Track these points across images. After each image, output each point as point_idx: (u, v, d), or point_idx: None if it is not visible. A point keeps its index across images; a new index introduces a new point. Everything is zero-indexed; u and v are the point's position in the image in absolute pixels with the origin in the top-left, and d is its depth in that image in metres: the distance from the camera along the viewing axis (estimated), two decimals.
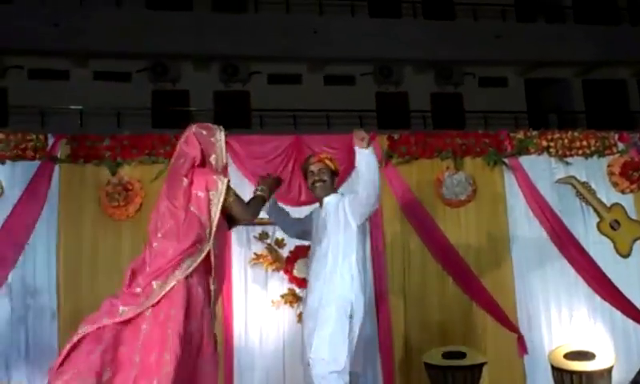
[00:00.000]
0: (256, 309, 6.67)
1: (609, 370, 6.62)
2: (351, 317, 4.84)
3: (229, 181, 4.16)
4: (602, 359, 6.66)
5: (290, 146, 6.90)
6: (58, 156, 6.55)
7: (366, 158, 4.80)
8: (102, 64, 18.88)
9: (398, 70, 20.57)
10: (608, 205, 7.23)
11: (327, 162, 5.17)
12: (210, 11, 19.53)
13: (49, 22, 17.58)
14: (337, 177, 5.29)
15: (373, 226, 6.84)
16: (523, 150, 7.19)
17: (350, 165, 6.85)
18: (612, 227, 7.18)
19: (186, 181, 4.09)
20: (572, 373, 6.56)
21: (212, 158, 4.25)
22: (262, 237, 6.74)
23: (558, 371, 6.65)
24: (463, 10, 20.95)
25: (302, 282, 6.62)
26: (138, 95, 18.70)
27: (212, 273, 4.07)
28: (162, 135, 6.87)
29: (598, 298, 7.00)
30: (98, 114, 17.37)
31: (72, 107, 17.83)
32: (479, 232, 7.03)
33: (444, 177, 7.04)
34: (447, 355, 6.62)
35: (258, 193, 4.55)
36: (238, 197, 4.22)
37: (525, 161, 7.18)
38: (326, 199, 5.13)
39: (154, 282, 3.91)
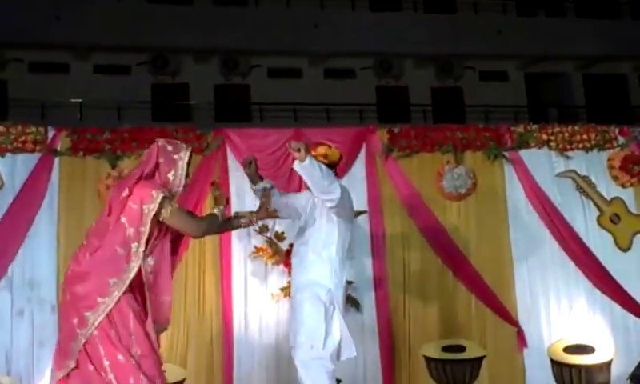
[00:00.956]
0: (256, 302, 6.67)
1: (608, 364, 6.63)
2: (332, 306, 4.90)
3: (164, 195, 4.09)
4: (602, 353, 6.67)
5: (290, 140, 6.83)
6: (58, 149, 6.53)
7: (303, 171, 4.72)
8: (103, 57, 18.89)
9: (398, 63, 20.58)
10: (608, 199, 7.23)
11: (320, 157, 5.08)
12: (211, 4, 19.52)
13: (49, 15, 17.58)
14: (334, 168, 5.19)
15: (373, 219, 6.87)
16: (523, 143, 7.18)
17: (350, 159, 6.92)
18: (612, 221, 7.18)
19: (126, 191, 4.11)
20: (571, 366, 6.58)
21: (170, 174, 4.23)
22: (262, 230, 6.73)
23: (557, 365, 6.66)
24: (464, 4, 20.95)
25: None
26: (138, 88, 18.72)
27: (145, 288, 4.09)
28: (162, 128, 6.86)
29: (597, 292, 7.01)
30: (98, 107, 17.36)
31: (72, 100, 17.83)
32: (479, 226, 7.03)
33: (444, 170, 7.03)
34: (447, 349, 6.63)
35: (215, 212, 4.54)
36: (181, 211, 4.19)
37: (525, 154, 7.18)
38: None
39: (86, 314, 4.01)
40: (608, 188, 7.26)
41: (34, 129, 6.50)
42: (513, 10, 21.51)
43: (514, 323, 6.83)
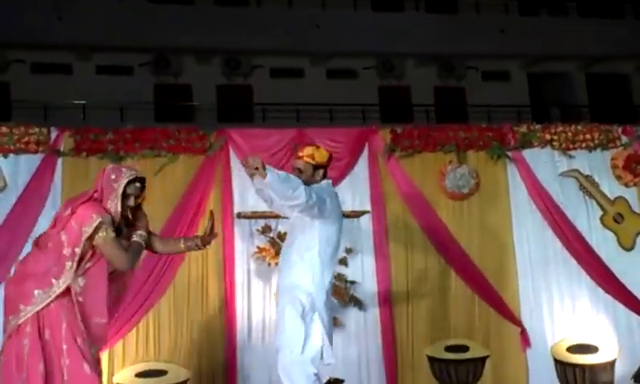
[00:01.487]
0: (258, 302, 6.67)
1: (612, 363, 6.64)
2: (313, 310, 4.85)
3: (102, 220, 4.11)
4: (605, 352, 6.68)
5: (293, 140, 6.88)
6: (61, 149, 6.54)
7: (266, 187, 4.72)
8: (105, 58, 18.89)
9: (400, 63, 20.57)
10: (611, 198, 7.22)
11: (307, 158, 5.06)
12: (213, 5, 19.53)
13: (51, 16, 17.60)
14: (322, 168, 5.12)
15: (375, 219, 6.86)
16: (526, 143, 7.18)
17: (353, 159, 6.93)
18: (615, 220, 7.17)
19: (69, 209, 4.18)
20: (575, 366, 6.59)
21: (108, 202, 4.23)
22: (265, 230, 6.73)
23: (560, 364, 6.66)
24: (466, 4, 20.93)
25: None
26: (140, 89, 18.71)
27: (75, 308, 4.09)
28: (164, 129, 6.86)
29: (601, 292, 6.99)
30: (100, 107, 17.34)
31: (75, 101, 17.83)
32: (482, 225, 7.03)
33: (447, 170, 7.03)
34: (450, 349, 6.64)
35: (135, 239, 4.40)
36: (114, 242, 4.17)
37: (528, 154, 7.18)
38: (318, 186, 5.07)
39: (10, 316, 4.11)
40: (611, 187, 7.25)
41: (37, 129, 6.52)
42: (515, 10, 21.48)
43: (518, 323, 6.83)
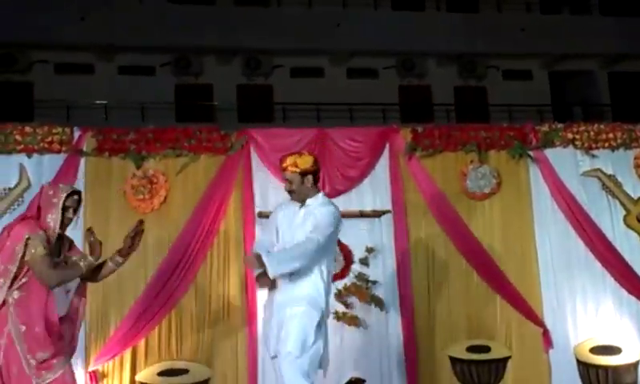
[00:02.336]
0: None
1: (635, 365, 6.59)
2: (324, 321, 4.95)
3: (28, 238, 4.22)
4: (629, 354, 6.63)
5: (313, 139, 6.89)
6: (84, 149, 6.58)
7: (275, 275, 4.82)
8: (127, 58, 19.02)
9: (421, 63, 20.54)
10: (635, 197, 7.15)
11: (291, 168, 5.03)
12: (233, 5, 19.59)
13: (74, 17, 17.75)
14: (311, 173, 5.06)
15: (396, 219, 6.85)
16: (548, 142, 7.14)
17: (374, 158, 6.93)
18: (639, 220, 7.10)
19: (5, 232, 4.33)
20: (598, 367, 6.54)
21: (49, 218, 4.34)
22: None
23: (583, 365, 6.62)
24: (487, 3, 20.84)
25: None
26: (161, 89, 18.82)
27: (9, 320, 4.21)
28: (185, 128, 6.89)
29: (624, 292, 6.93)
30: (122, 107, 17.49)
31: (97, 101, 17.98)
32: (504, 225, 6.99)
33: (468, 170, 7.01)
34: (472, 349, 6.61)
35: (78, 261, 4.47)
36: (43, 259, 4.24)
37: (550, 154, 7.13)
38: (309, 200, 5.08)
39: None
40: (634, 187, 7.18)
41: (60, 129, 6.57)
42: (537, 8, 21.36)
43: (540, 323, 6.79)
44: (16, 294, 4.24)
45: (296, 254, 4.80)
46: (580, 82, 21.93)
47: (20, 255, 4.21)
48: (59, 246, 4.46)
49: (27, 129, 6.54)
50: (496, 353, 6.64)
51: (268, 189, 6.76)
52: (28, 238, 4.22)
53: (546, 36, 20.12)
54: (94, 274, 4.63)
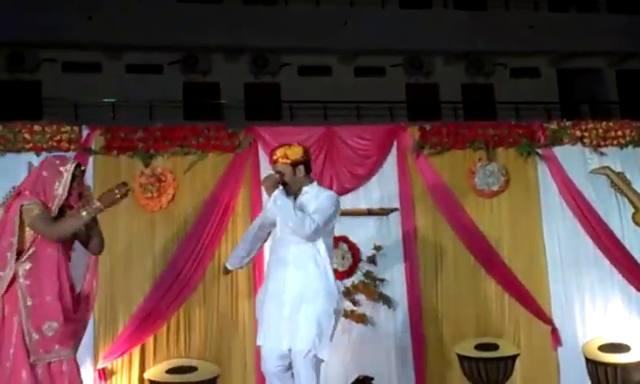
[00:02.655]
0: None
1: None
2: (337, 314, 4.99)
3: (22, 205, 4.30)
4: (637, 351, 6.61)
5: (321, 137, 6.89)
6: (92, 147, 6.60)
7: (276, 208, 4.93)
8: (134, 57, 19.06)
9: (428, 60, 20.53)
10: None
11: (282, 160, 5.07)
12: (241, 3, 19.61)
13: (82, 16, 17.79)
14: (302, 164, 5.09)
15: (404, 217, 6.84)
16: (557, 140, 7.12)
17: (381, 156, 6.92)
18: None
19: (4, 209, 4.43)
20: (606, 365, 6.52)
21: (56, 186, 4.41)
22: None
23: (592, 363, 6.60)
24: (495, 0, 20.78)
25: (334, 273, 6.61)
26: (169, 88, 18.86)
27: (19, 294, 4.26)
28: (193, 127, 6.89)
29: (633, 290, 6.91)
30: (130, 106, 17.53)
31: (105, 100, 18.02)
32: (512, 223, 6.97)
33: (476, 167, 6.99)
34: (480, 347, 6.60)
35: (82, 212, 4.43)
36: (40, 218, 4.30)
37: (558, 151, 7.11)
38: (305, 188, 5.08)
39: None
40: None
41: (68, 128, 6.59)
42: (544, 6, 21.31)
43: (548, 321, 6.77)
44: (26, 265, 4.29)
45: (298, 218, 4.83)
46: (588, 80, 21.88)
47: (18, 224, 4.27)
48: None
49: (36, 127, 6.56)
50: (504, 351, 6.62)
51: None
52: (22, 206, 4.28)
53: (554, 34, 20.09)
54: (91, 241, 4.65)
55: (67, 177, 4.41)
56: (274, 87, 19.98)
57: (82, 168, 4.62)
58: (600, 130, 7.17)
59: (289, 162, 5.04)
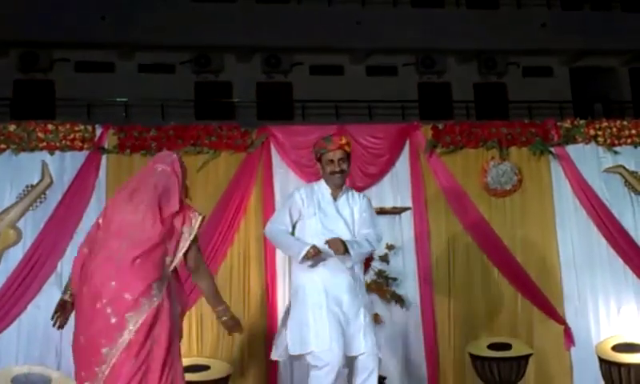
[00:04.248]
0: None
1: None
2: None
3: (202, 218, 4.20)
4: None
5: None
6: (106, 146, 6.64)
7: (356, 260, 4.82)
8: (147, 56, 19.10)
9: (440, 60, 20.44)
10: None
11: (346, 148, 4.98)
12: (253, 3, 19.62)
13: (95, 16, 17.86)
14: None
15: (417, 216, 6.84)
16: (570, 139, 7.09)
17: (394, 155, 6.92)
18: None
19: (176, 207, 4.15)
20: (620, 365, 6.49)
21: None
22: None
23: (605, 363, 6.57)
24: None
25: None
26: (181, 87, 18.89)
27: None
28: (206, 125, 6.92)
29: None
30: (142, 105, 17.58)
31: (117, 99, 18.09)
32: (525, 222, 6.96)
33: (489, 166, 6.98)
34: (493, 346, 6.59)
35: (219, 308, 4.36)
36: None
37: (572, 150, 7.08)
38: (352, 191, 5.10)
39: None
40: None
41: (82, 127, 6.64)
42: (557, 4, 21.21)
43: (561, 321, 6.75)
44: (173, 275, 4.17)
45: (372, 247, 4.90)
46: (601, 79, 21.75)
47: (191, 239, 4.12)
48: None
49: (50, 126, 6.60)
50: (517, 350, 6.60)
51: (288, 186, 6.76)
52: (199, 219, 4.15)
53: (567, 32, 19.97)
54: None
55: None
56: (286, 86, 19.97)
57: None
58: (614, 129, 7.15)
59: (349, 152, 5.03)
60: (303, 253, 4.67)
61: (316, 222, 4.87)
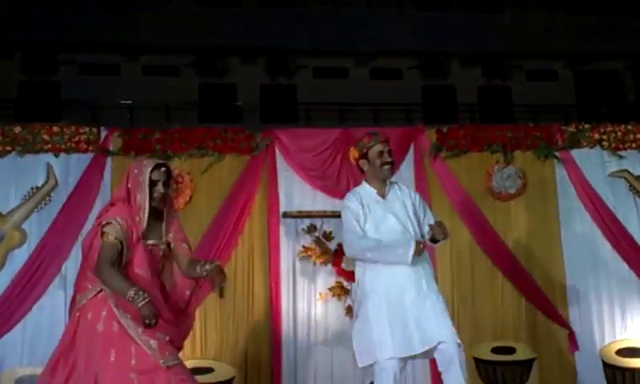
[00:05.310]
0: (304, 301, 6.70)
1: None
2: None
3: (104, 224, 4.05)
4: None
5: (338, 139, 6.90)
6: (111, 149, 6.65)
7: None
8: (152, 59, 19.14)
9: (444, 63, 20.45)
10: None
11: (388, 142, 4.89)
12: (257, 5, 19.64)
13: (100, 18, 17.90)
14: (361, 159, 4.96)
15: None
16: (575, 143, 7.09)
17: (398, 159, 6.87)
18: None
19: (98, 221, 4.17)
20: (624, 369, 6.48)
21: (138, 198, 4.15)
22: (310, 229, 6.75)
23: (609, 368, 6.56)
24: (512, 2, 20.71)
25: (350, 275, 6.60)
26: (185, 89, 18.93)
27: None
28: (211, 128, 6.93)
29: None
30: (147, 107, 17.61)
31: (122, 101, 18.12)
32: (529, 226, 6.95)
33: (494, 170, 6.98)
34: (497, 350, 6.58)
35: (130, 292, 3.90)
36: (104, 246, 4.02)
37: (576, 154, 7.07)
38: (398, 185, 4.95)
39: None
40: None
41: (87, 129, 6.66)
42: (562, 8, 21.19)
43: (566, 325, 6.74)
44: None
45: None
46: (605, 83, 21.73)
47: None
48: (158, 224, 4.27)
49: (55, 129, 6.63)
50: (521, 354, 6.59)
51: (293, 189, 6.79)
52: (104, 225, 4.05)
53: (571, 36, 19.97)
54: (184, 266, 4.34)
55: (145, 186, 4.13)
56: (290, 89, 20.00)
57: (163, 170, 4.23)
58: (619, 133, 7.13)
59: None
60: (412, 251, 4.50)
61: (370, 228, 4.72)
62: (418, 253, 4.56)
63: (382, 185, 4.86)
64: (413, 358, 4.70)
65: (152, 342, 3.96)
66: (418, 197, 4.96)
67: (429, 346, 4.56)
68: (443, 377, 4.64)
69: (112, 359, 3.92)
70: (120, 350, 3.94)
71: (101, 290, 4.02)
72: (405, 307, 4.57)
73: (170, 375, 3.94)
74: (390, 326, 4.53)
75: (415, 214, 4.84)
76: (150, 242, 4.21)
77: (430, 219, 4.81)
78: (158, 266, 4.28)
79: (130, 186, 4.20)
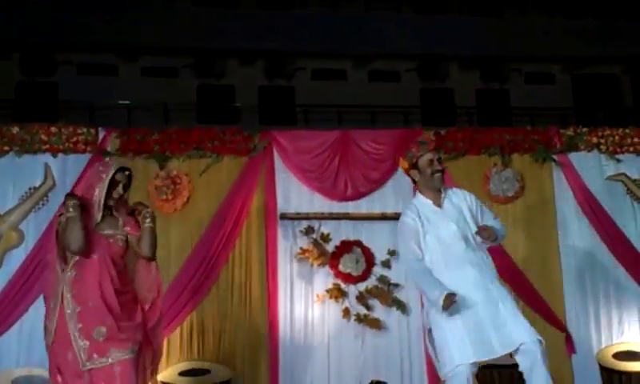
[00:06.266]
0: (301, 303, 6.69)
1: None
2: None
3: (60, 214, 4.27)
4: None
5: (336, 141, 6.91)
6: (108, 149, 6.65)
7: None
8: (150, 60, 19.13)
9: (443, 66, 20.46)
10: None
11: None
12: (256, 7, 19.65)
13: (98, 19, 17.89)
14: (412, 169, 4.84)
15: None
16: (573, 146, 7.10)
17: (396, 162, 6.87)
18: None
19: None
20: (621, 373, 6.49)
21: (96, 191, 4.30)
22: (308, 231, 6.75)
23: (606, 371, 6.56)
24: (510, 6, 20.73)
25: (348, 277, 6.65)
26: (184, 90, 18.92)
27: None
28: (209, 129, 6.94)
29: None
30: (145, 108, 17.60)
31: (120, 102, 18.11)
32: (527, 229, 6.94)
33: (491, 173, 6.98)
34: None
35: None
36: (69, 220, 4.18)
37: (574, 158, 7.08)
38: (452, 190, 4.82)
39: None
40: None
41: (85, 130, 6.67)
42: (560, 12, 21.22)
43: (563, 328, 6.74)
44: (71, 274, 4.23)
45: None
46: (603, 86, 21.75)
47: (55, 233, 4.26)
48: (114, 220, 4.40)
49: (53, 129, 6.63)
50: None
51: (291, 190, 6.80)
52: (60, 215, 4.24)
53: (569, 40, 20.00)
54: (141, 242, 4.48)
55: (105, 183, 4.28)
56: (288, 91, 20.00)
57: (127, 173, 4.40)
58: (616, 137, 7.15)
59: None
60: (441, 302, 4.30)
61: (430, 239, 4.59)
62: (446, 307, 4.33)
63: (437, 193, 4.71)
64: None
65: (83, 343, 4.17)
66: (473, 198, 4.80)
67: (510, 349, 4.48)
68: (526, 377, 4.57)
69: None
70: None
71: None
72: (477, 310, 4.44)
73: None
74: (466, 331, 4.40)
75: (474, 217, 4.69)
76: (106, 232, 4.34)
77: (488, 219, 4.73)
78: (117, 258, 4.38)
79: (91, 180, 4.42)
